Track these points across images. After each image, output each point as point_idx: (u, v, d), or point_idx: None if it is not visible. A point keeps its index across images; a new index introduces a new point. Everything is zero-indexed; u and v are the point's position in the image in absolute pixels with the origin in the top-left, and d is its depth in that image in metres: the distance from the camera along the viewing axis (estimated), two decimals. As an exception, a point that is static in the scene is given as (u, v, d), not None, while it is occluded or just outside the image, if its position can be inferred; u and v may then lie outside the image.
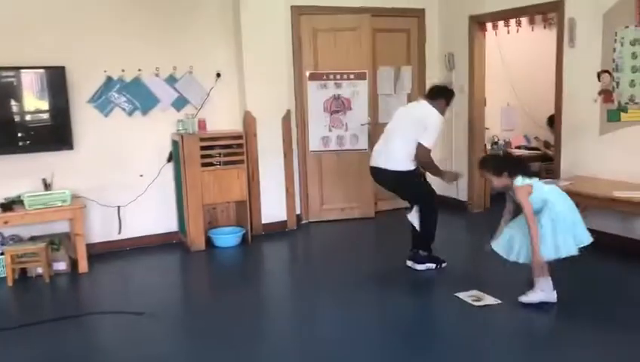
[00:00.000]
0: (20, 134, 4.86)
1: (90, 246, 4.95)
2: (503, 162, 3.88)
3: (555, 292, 3.73)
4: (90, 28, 5.06)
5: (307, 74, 5.96)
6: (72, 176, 5.03)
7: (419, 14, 6.46)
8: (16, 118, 4.85)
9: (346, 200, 6.24)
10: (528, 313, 3.67)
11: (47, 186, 4.88)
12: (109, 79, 5.17)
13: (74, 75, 4.99)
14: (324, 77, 5.99)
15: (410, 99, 6.54)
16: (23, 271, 4.68)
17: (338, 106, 6.06)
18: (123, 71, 5.20)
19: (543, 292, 3.72)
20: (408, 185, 4.53)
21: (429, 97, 4.54)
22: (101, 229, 5.27)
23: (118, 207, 5.32)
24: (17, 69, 4.77)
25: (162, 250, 5.39)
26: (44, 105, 4.94)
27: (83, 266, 4.78)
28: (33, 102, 4.92)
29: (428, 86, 5.27)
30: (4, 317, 3.96)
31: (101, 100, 5.17)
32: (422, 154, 4.37)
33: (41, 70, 4.86)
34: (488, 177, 3.86)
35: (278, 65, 5.69)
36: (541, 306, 3.70)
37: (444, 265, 4.57)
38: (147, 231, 5.47)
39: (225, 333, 3.55)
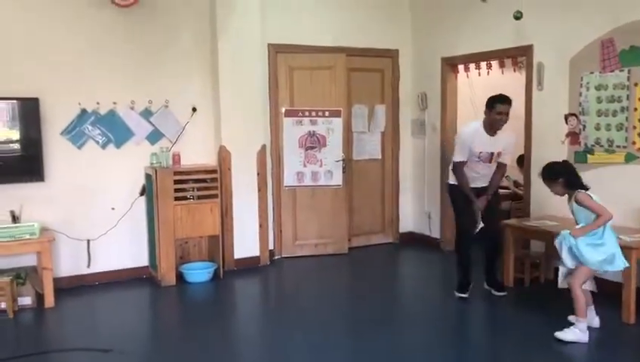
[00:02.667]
0: (-11, 165, 4.79)
1: (57, 281, 4.84)
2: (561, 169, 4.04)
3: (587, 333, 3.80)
4: (65, 60, 5.05)
5: (283, 110, 6.02)
6: (41, 208, 4.94)
7: (393, 55, 6.62)
8: (-13, 149, 4.79)
9: (320, 235, 6.24)
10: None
11: (15, 218, 4.78)
12: (84, 111, 5.14)
13: (47, 107, 4.95)
14: (300, 113, 6.06)
15: (385, 137, 6.67)
16: (-14, 306, 4.53)
17: (313, 143, 6.11)
18: (98, 103, 5.18)
19: (579, 331, 3.79)
20: (451, 201, 4.93)
21: None
22: (70, 263, 5.16)
23: (88, 240, 5.23)
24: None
25: (132, 284, 5.29)
26: (16, 135, 4.89)
27: (50, 301, 4.65)
28: (4, 133, 4.86)
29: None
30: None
31: (75, 132, 5.12)
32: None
33: (14, 101, 4.82)
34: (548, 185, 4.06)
35: (254, 100, 5.74)
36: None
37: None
38: (117, 265, 5.38)
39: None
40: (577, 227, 3.86)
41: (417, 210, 6.83)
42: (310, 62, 6.05)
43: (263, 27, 5.76)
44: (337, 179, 6.18)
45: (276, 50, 5.93)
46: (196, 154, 5.62)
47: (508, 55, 5.81)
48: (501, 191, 7.13)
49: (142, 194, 5.43)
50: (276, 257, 6.11)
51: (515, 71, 6.34)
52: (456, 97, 6.43)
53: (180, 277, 5.32)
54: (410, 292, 5.27)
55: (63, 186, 5.09)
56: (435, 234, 6.57)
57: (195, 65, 5.63)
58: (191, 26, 5.57)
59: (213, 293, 5.19)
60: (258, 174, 5.82)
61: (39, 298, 4.70)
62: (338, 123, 6.15)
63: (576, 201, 3.84)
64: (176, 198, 5.17)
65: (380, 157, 6.68)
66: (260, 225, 5.87)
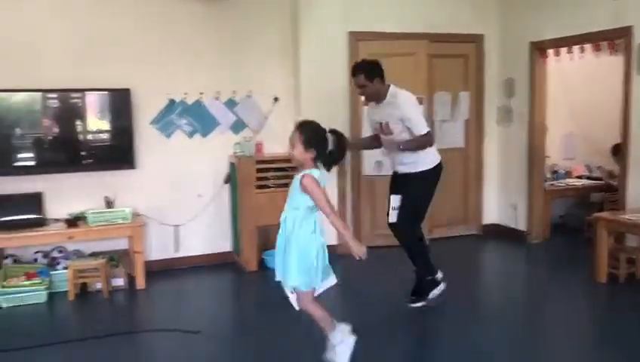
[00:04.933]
0: (84, 153, 5.07)
1: (147, 264, 5.06)
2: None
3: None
4: (154, 52, 5.25)
5: (363, 98, 5.96)
6: (133, 194, 5.19)
7: (477, 40, 6.40)
8: (82, 138, 5.07)
9: (399, 226, 6.15)
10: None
11: (109, 204, 5.05)
12: (172, 102, 5.34)
13: (138, 97, 5.18)
14: (381, 102, 5.98)
15: (468, 125, 6.48)
16: (84, 285, 4.82)
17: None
18: (185, 94, 5.37)
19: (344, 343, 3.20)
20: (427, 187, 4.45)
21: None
22: (159, 247, 5.39)
23: (176, 226, 5.44)
24: (83, 90, 4.99)
25: (216, 269, 5.46)
26: (109, 126, 5.15)
27: (140, 283, 4.89)
28: (98, 123, 5.13)
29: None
30: (65, 330, 4.09)
31: (163, 122, 5.34)
32: None
33: (108, 92, 5.07)
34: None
35: (334, 89, 5.74)
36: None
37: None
38: (202, 250, 5.57)
39: (279, 357, 3.54)
40: None
41: (502, 200, 6.59)
42: (391, 50, 5.94)
43: (345, 15, 5.74)
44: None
45: (357, 38, 5.88)
46: (278, 143, 5.67)
47: (604, 37, 5.46)
48: (593, 182, 6.83)
49: (226, 182, 5.58)
50: (355, 246, 6.09)
51: (611, 55, 5.97)
52: (546, 84, 6.13)
53: (261, 263, 5.43)
54: (494, 287, 5.10)
55: (152, 174, 5.31)
56: (521, 226, 6.32)
57: (277, 55, 5.70)
58: (273, 16, 5.64)
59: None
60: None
61: (131, 280, 4.96)
62: (420, 111, 6.02)
63: None
64: (258, 186, 5.28)
65: (463, 145, 6.50)
66: (339, 214, 5.87)
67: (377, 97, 4.12)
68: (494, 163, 6.61)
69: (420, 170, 4.12)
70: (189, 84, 5.38)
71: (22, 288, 4.54)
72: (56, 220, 4.87)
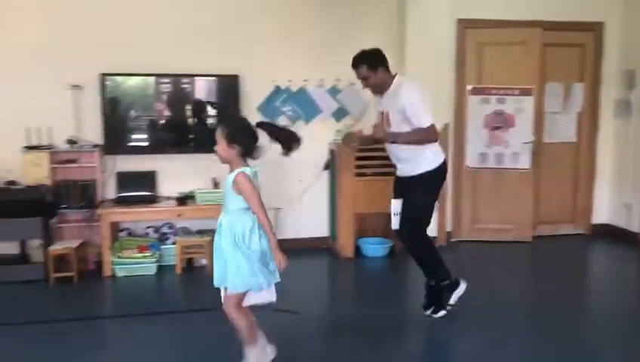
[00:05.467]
0: (193, 136, 5.34)
1: (248, 244, 5.25)
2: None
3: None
4: (261, 39, 5.40)
5: (469, 88, 5.80)
6: (237, 176, 5.39)
7: (596, 28, 6.00)
8: (189, 122, 5.33)
9: (502, 220, 5.96)
10: None
11: (215, 185, 5.30)
12: (277, 88, 5.48)
13: (245, 84, 5.36)
14: (487, 91, 5.79)
15: (581, 118, 6.12)
16: (190, 260, 5.11)
17: (500, 122, 5.82)
18: (290, 81, 5.48)
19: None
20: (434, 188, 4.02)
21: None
22: (260, 228, 5.57)
23: (276, 209, 5.61)
24: (194, 76, 5.24)
25: (314, 253, 5.56)
26: (216, 110, 5.36)
27: (242, 262, 5.09)
28: (206, 107, 5.36)
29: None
30: (172, 301, 4.36)
31: (269, 108, 5.49)
32: None
33: (217, 78, 5.29)
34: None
35: (439, 78, 5.62)
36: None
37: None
38: (301, 234, 5.69)
39: (371, 338, 3.57)
40: None
41: (614, 200, 6.18)
42: (501, 38, 5.74)
43: (453, 1, 5.58)
44: (524, 161, 5.82)
45: (464, 26, 5.72)
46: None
47: None
48: None
49: (326, 168, 5.66)
50: (453, 239, 5.98)
51: None
52: (673, 75, 5.65)
53: (357, 250, 5.47)
54: (600, 291, 4.81)
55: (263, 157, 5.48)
56: (635, 228, 5.89)
57: (382, 43, 5.54)
58: (380, 3, 5.61)
59: (389, 269, 5.27)
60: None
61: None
62: (529, 102, 5.76)
63: None
64: (357, 174, 5.30)
65: (574, 140, 6.15)
66: (439, 206, 5.77)
67: (383, 88, 3.78)
68: (608, 159, 6.20)
69: (419, 172, 3.71)
70: (294, 71, 5.49)
71: (135, 260, 4.89)
72: (168, 198, 5.18)
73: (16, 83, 4.96)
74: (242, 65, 5.33)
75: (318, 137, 5.59)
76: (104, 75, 5.03)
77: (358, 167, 5.31)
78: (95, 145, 5.04)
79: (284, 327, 3.83)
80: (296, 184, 5.63)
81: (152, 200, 5.10)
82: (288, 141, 2.93)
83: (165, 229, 5.28)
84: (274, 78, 5.45)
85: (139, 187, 5.16)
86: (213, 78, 5.29)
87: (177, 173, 5.33)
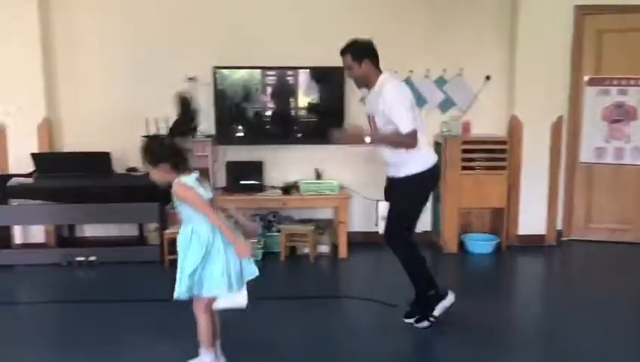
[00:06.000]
0: (297, 128, 5.46)
1: (350, 234, 5.29)
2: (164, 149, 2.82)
3: None
4: (366, 29, 5.33)
5: (586, 78, 5.46)
6: (340, 168, 5.45)
7: None
8: (295, 114, 5.45)
9: (619, 220, 5.56)
10: None
11: (318, 176, 5.38)
12: (382, 79, 5.45)
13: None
14: (607, 82, 5.41)
15: None
16: (293, 249, 5.23)
17: (620, 115, 5.43)
18: (395, 72, 5.41)
19: None
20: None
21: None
22: (361, 220, 5.60)
23: (377, 200, 5.59)
24: (297, 68, 5.34)
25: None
26: (321, 102, 5.42)
27: (343, 252, 5.16)
28: (311, 100, 5.44)
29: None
30: (275, 288, 4.49)
31: (372, 99, 5.48)
32: None
33: (321, 70, 5.33)
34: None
35: (553, 68, 5.34)
36: None
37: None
38: (401, 227, 5.65)
39: (472, 338, 3.48)
40: None
41: None
42: (624, 24, 5.33)
43: (572, -14, 5.28)
44: (647, 158, 5.41)
45: (583, 12, 5.36)
46: (486, 124, 5.49)
47: None
48: None
49: (430, 161, 5.56)
50: (564, 238, 5.67)
51: None
52: None
53: (460, 245, 5.34)
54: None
55: (359, 149, 5.47)
56: None
57: (492, 32, 5.47)
58: (491, -9, 5.43)
59: (495, 266, 5.10)
60: (551, 147, 5.44)
61: (334, 248, 5.24)
62: (655, 93, 5.33)
63: None
64: (463, 168, 5.17)
65: None
66: (549, 202, 5.51)
67: (366, 82, 3.56)
68: None
69: (405, 174, 3.48)
70: (399, 62, 5.39)
71: (242, 245, 5.08)
72: (273, 187, 5.33)
73: (137, 75, 5.32)
74: (347, 56, 5.35)
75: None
76: (217, 67, 5.25)
77: (465, 160, 5.17)
78: (208, 136, 5.29)
79: (380, 319, 3.86)
80: (399, 176, 5.59)
81: (258, 189, 5.28)
82: (186, 124, 2.86)
83: (270, 217, 5.44)
84: (379, 69, 5.42)
85: (247, 176, 5.36)
86: (318, 70, 5.36)
87: (282, 163, 5.48)
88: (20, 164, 5.16)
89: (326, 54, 5.28)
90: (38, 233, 5.32)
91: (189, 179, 2.79)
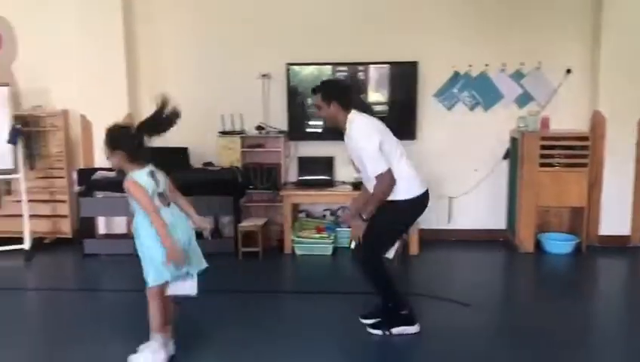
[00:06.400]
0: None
1: (421, 232, 5.22)
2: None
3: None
4: (442, 24, 5.30)
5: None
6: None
7: None
8: (365, 109, 5.35)
9: None
10: None
11: (390, 171, 5.34)
12: (456, 74, 5.34)
13: (424, 70, 5.31)
14: (700, 75, 5.06)
15: None
16: (363, 244, 5.22)
17: None
18: (470, 66, 5.31)
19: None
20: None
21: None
22: (433, 217, 5.51)
23: (450, 198, 5.50)
24: (369, 64, 5.31)
25: (488, 246, 5.37)
26: (393, 98, 5.37)
27: (414, 249, 5.10)
28: (382, 95, 5.40)
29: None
30: (346, 282, 4.50)
31: (446, 94, 5.39)
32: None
33: (394, 65, 5.30)
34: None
35: (638, 63, 5.05)
36: None
37: None
38: (474, 225, 5.53)
39: (550, 341, 3.36)
40: None
41: None
42: None
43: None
44: None
45: (676, 0, 5.04)
46: (566, 119, 5.27)
47: None
48: None
49: (505, 157, 5.40)
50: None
51: None
52: None
53: (537, 245, 5.16)
54: None
55: (431, 145, 5.43)
56: None
57: (572, 24, 5.23)
58: (572, -19, 5.19)
59: (574, 267, 4.89)
60: (637, 144, 5.15)
61: (405, 245, 5.18)
62: None
63: None
64: (542, 164, 4.99)
65: None
66: (635, 202, 5.22)
67: (335, 123, 3.44)
68: None
69: (390, 198, 3.31)
70: (475, 56, 5.30)
71: (313, 240, 5.14)
72: (343, 183, 5.34)
73: (213, 74, 5.48)
74: (420, 51, 5.28)
75: (498, 125, 5.36)
76: (289, 64, 5.32)
77: (544, 156, 4.99)
78: (281, 132, 5.37)
79: (451, 317, 3.78)
80: (471, 173, 5.46)
81: (329, 184, 5.32)
82: (157, 125, 3.03)
83: (340, 212, 5.46)
84: (453, 63, 5.32)
85: (317, 171, 5.41)
86: (391, 65, 5.32)
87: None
88: (104, 158, 5.41)
89: (399, 49, 5.29)
90: (119, 224, 5.59)
91: (141, 175, 2.92)
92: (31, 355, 3.35)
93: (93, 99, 5.40)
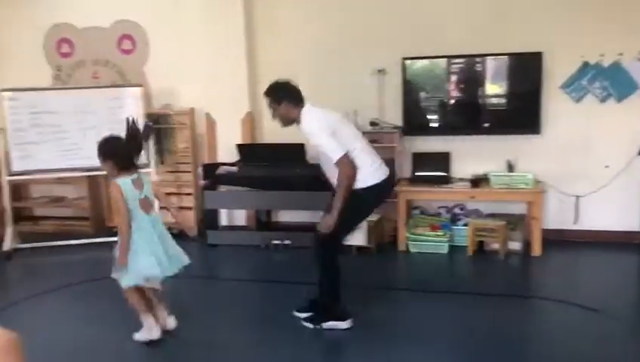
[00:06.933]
0: (485, 117, 5.26)
1: (543, 232, 4.94)
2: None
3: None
4: (570, 12, 4.97)
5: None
6: (535, 160, 5.12)
7: None
8: (483, 102, 5.26)
9: None
10: None
11: (510, 168, 5.11)
12: (585, 64, 4.98)
13: (549, 60, 5.01)
14: None
15: None
16: (480, 244, 5.04)
17: None
18: (601, 56, 4.93)
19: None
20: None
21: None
22: (556, 216, 5.21)
23: (577, 196, 5.15)
24: (487, 55, 5.11)
25: (619, 248, 4.96)
26: (514, 90, 5.13)
27: (536, 250, 4.84)
28: (502, 88, 5.18)
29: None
30: (461, 282, 4.41)
31: (574, 86, 5.04)
32: None
33: (516, 56, 5.06)
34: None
35: None
36: None
37: None
38: (605, 226, 5.14)
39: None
40: None
41: None
42: None
43: None
44: None
45: None
46: None
47: None
48: None
49: (640, 153, 4.97)
50: None
51: None
52: None
53: (678, 250, 4.70)
54: None
55: (557, 140, 5.12)
56: None
57: None
58: None
59: None
60: None
61: (526, 245, 4.94)
62: None
63: None
64: (685, 161, 4.53)
65: None
66: None
67: (289, 120, 3.55)
68: None
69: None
70: (607, 44, 4.91)
71: (427, 237, 5.05)
72: (460, 179, 5.19)
73: (329, 69, 5.55)
74: (547, 41, 4.98)
75: (634, 117, 4.94)
76: (405, 58, 5.26)
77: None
78: (396, 127, 5.33)
79: (577, 323, 3.55)
80: (602, 170, 5.07)
81: (445, 180, 5.19)
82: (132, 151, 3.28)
83: (457, 210, 5.31)
84: (582, 53, 4.96)
85: (433, 167, 5.30)
86: (510, 56, 5.08)
87: (471, 154, 5.31)
88: (227, 153, 5.72)
89: (520, 40, 5.03)
90: (240, 216, 5.85)
91: (125, 181, 3.22)
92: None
93: (216, 98, 5.69)
